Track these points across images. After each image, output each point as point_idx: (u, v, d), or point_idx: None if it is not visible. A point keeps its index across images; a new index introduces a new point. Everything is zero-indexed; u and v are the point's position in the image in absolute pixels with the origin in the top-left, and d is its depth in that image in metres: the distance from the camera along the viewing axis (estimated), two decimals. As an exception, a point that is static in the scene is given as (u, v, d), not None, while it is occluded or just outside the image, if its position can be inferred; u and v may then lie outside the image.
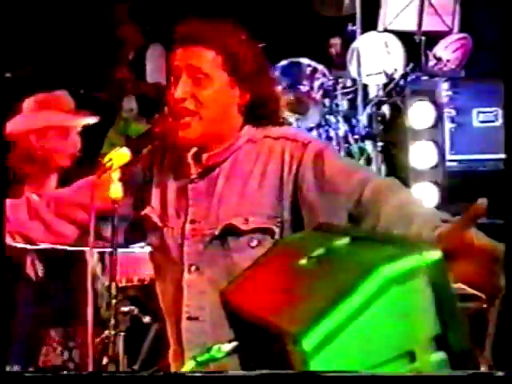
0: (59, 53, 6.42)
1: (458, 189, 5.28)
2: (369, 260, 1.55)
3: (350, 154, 5.43)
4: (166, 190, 2.65)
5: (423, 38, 5.30)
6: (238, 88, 2.48)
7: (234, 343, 1.69)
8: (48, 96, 3.91)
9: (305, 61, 5.53)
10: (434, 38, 5.36)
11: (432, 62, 5.25)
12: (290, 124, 2.93)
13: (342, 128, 5.45)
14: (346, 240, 1.70)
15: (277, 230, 2.47)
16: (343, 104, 5.51)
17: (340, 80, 5.50)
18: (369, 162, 5.35)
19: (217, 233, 2.47)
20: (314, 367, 1.45)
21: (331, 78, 5.50)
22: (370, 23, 5.49)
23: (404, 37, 5.37)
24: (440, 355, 1.54)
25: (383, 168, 5.25)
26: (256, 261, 1.84)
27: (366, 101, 5.47)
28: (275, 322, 1.52)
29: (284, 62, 5.57)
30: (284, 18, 6.12)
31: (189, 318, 2.51)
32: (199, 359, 1.72)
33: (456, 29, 5.36)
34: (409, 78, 5.09)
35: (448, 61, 5.25)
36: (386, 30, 5.40)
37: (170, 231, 2.58)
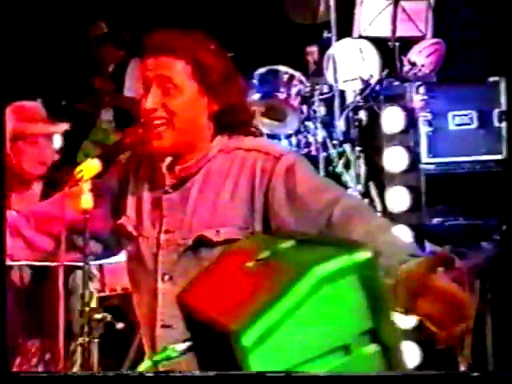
0: (38, 62, 6.49)
1: (435, 191, 5.32)
2: (304, 261, 1.62)
3: (329, 158, 5.43)
4: (142, 200, 2.65)
5: (397, 43, 5.30)
6: (207, 97, 2.50)
7: (188, 343, 1.72)
8: (19, 106, 3.95)
9: (282, 68, 5.53)
10: (408, 43, 5.38)
11: (407, 67, 5.23)
12: (262, 134, 2.92)
13: (321, 134, 5.43)
14: (290, 243, 1.76)
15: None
16: (321, 110, 5.49)
17: (317, 86, 5.47)
18: (348, 166, 5.34)
19: (189, 243, 2.49)
20: (253, 362, 1.53)
21: (308, 84, 5.49)
22: (344, 30, 5.49)
23: (379, 43, 5.38)
24: (373, 348, 1.63)
25: (362, 172, 5.23)
26: (211, 263, 1.93)
27: (343, 106, 5.45)
28: (221, 320, 1.59)
29: (262, 70, 5.57)
30: (260, 26, 6.16)
31: (163, 326, 2.52)
32: (155, 358, 1.75)
33: (429, 34, 5.40)
34: (383, 84, 5.06)
35: (422, 65, 5.24)
36: (360, 37, 5.42)
37: (145, 241, 2.59)
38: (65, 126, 3.90)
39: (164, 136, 2.50)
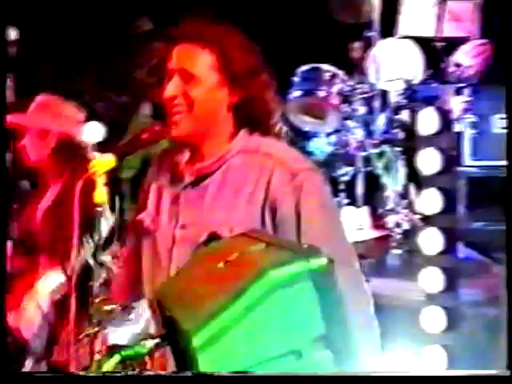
0: (80, 53, 6.61)
1: (477, 195, 5.32)
2: (261, 265, 1.66)
3: (368, 158, 5.50)
4: (161, 196, 2.70)
5: (442, 44, 5.33)
6: (228, 87, 2.51)
7: (157, 340, 1.73)
8: (55, 100, 4.00)
9: (324, 66, 5.56)
10: (453, 44, 5.39)
11: (452, 69, 5.27)
12: (286, 133, 2.78)
13: (360, 133, 5.47)
14: (261, 246, 1.79)
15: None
16: (361, 109, 5.51)
17: (358, 85, 5.52)
18: (387, 167, 5.37)
19: (202, 239, 2.49)
20: (203, 362, 1.57)
21: (350, 83, 5.51)
22: (388, 30, 5.52)
23: (423, 43, 5.40)
24: (325, 354, 1.66)
25: (402, 172, 5.27)
26: (187, 263, 1.93)
27: (385, 106, 5.48)
28: (181, 320, 1.61)
29: (304, 68, 5.64)
30: (304, 24, 6.20)
31: None
32: (124, 353, 1.76)
33: (477, 35, 5.40)
34: (425, 85, 5.10)
35: (468, 67, 5.28)
36: (404, 37, 5.46)
37: (162, 236, 2.64)
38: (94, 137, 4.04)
39: (182, 123, 2.53)
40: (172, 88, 2.54)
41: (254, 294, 1.62)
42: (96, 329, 2.21)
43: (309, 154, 5.79)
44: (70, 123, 3.93)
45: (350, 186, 5.71)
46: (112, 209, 3.63)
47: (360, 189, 5.65)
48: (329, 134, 5.75)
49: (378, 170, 5.53)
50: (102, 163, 2.47)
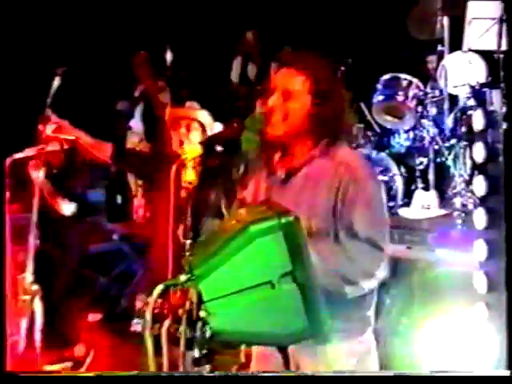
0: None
1: None
2: (245, 221, 2.17)
3: (439, 151, 6.00)
4: (258, 188, 3.12)
5: (502, 55, 5.60)
6: (315, 104, 2.94)
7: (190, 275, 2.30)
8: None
9: (402, 75, 6.10)
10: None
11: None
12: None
13: (432, 130, 5.98)
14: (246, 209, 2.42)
15: (330, 231, 2.89)
16: (432, 110, 6.01)
17: (430, 91, 6.01)
18: (457, 157, 5.86)
19: None
20: (203, 289, 2.10)
21: (423, 89, 6.04)
22: (456, 44, 5.99)
23: (485, 55, 5.80)
24: (292, 286, 2.10)
25: (468, 163, 5.72)
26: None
27: (453, 107, 5.96)
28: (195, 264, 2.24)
29: (386, 76, 6.19)
30: (387, 41, 6.65)
31: None
32: (167, 283, 2.28)
33: None
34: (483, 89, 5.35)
35: None
36: (469, 50, 5.86)
37: None
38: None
39: (277, 127, 2.94)
40: (274, 100, 2.95)
41: (239, 242, 2.10)
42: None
43: (391, 147, 6.30)
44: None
45: (424, 173, 6.09)
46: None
47: (432, 176, 6.05)
48: (407, 131, 6.21)
49: (447, 161, 5.96)
50: (191, 151, 2.89)
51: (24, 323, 4.75)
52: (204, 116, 4.44)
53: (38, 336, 4.82)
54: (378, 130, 6.48)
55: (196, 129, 4.46)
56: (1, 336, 2.86)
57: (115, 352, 5.64)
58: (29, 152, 4.57)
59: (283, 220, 2.11)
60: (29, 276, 4.78)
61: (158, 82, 7.60)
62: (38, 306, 4.75)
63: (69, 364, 5.64)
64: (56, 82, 5.07)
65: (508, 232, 2.26)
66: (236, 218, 2.40)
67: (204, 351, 2.28)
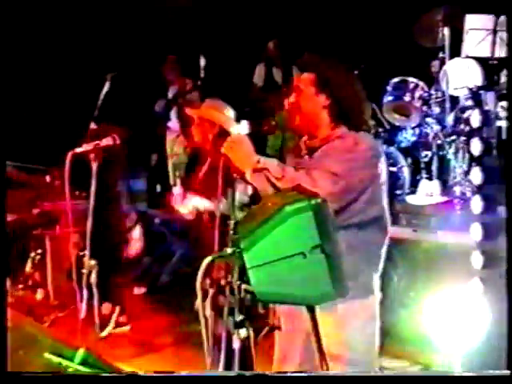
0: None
1: None
2: (284, 203, 2.42)
3: (441, 146, 6.37)
4: (289, 163, 3.41)
5: (495, 62, 6.18)
6: (322, 94, 3.28)
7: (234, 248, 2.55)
8: (219, 102, 4.81)
9: (410, 78, 6.49)
10: (503, 62, 6.14)
11: (503, 80, 6.08)
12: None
13: (435, 127, 6.35)
14: (284, 194, 2.66)
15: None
16: (436, 109, 6.40)
17: (434, 92, 6.38)
18: (457, 151, 6.23)
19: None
20: (247, 259, 2.36)
21: (427, 91, 6.42)
22: (456, 51, 6.40)
23: (481, 61, 6.23)
24: (321, 256, 2.35)
25: (467, 156, 6.07)
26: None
27: (454, 107, 6.33)
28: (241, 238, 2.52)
29: (396, 79, 6.60)
30: (397, 48, 7.10)
31: None
32: (213, 256, 2.57)
33: None
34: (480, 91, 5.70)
35: None
36: (467, 57, 6.30)
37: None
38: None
39: (295, 119, 3.33)
40: (291, 97, 3.35)
41: (277, 220, 2.33)
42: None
43: (399, 142, 6.66)
44: (226, 119, 4.54)
45: (428, 165, 6.46)
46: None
47: (435, 167, 6.41)
48: (413, 128, 6.55)
49: (448, 154, 6.33)
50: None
51: (85, 294, 5.37)
52: (218, 115, 4.55)
53: (96, 305, 5.48)
54: (387, 126, 6.84)
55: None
56: (1, 336, 2.75)
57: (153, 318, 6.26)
58: (87, 147, 5.14)
59: (313, 202, 2.38)
60: (87, 253, 5.37)
61: (187, 84, 8.20)
62: (94, 280, 5.24)
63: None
64: (106, 86, 5.65)
65: (508, 234, 2.46)
66: (271, 201, 2.61)
67: (243, 316, 2.59)
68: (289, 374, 2.54)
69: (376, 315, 3.46)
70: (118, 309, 6.20)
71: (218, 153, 3.49)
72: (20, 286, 6.99)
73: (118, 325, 6.23)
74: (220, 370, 2.79)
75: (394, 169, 6.47)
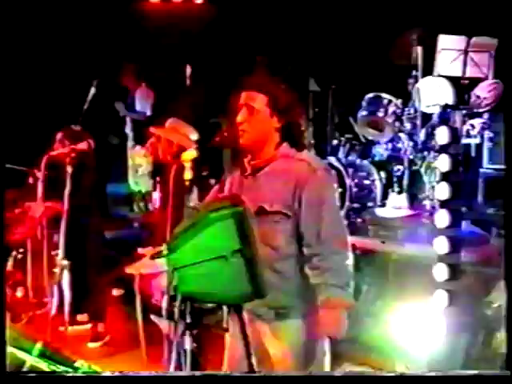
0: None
1: (493, 189, 6.30)
2: (209, 211, 2.55)
3: (413, 161, 6.34)
4: (233, 181, 3.43)
5: (466, 81, 6.21)
6: (275, 117, 3.26)
7: None
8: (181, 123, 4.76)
9: (383, 95, 6.47)
10: (474, 82, 6.24)
11: (473, 99, 6.16)
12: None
13: (407, 142, 6.33)
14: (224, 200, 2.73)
15: (290, 213, 3.20)
16: (408, 125, 6.37)
17: (406, 108, 6.35)
18: (428, 166, 6.18)
19: (254, 210, 3.07)
20: (171, 259, 2.47)
21: (400, 107, 6.40)
22: (428, 70, 6.36)
23: (452, 80, 6.22)
24: (240, 260, 2.47)
25: (437, 171, 5.68)
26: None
27: (425, 124, 6.29)
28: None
29: (370, 95, 6.57)
30: (372, 67, 7.08)
31: None
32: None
33: (490, 76, 6.23)
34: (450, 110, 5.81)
35: (484, 98, 6.13)
36: (439, 75, 6.28)
37: None
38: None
39: (245, 137, 3.26)
40: (241, 116, 3.26)
41: (202, 224, 2.45)
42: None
43: (372, 156, 6.66)
44: (186, 139, 4.49)
45: (401, 179, 6.41)
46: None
47: (406, 181, 6.37)
48: (386, 142, 6.53)
49: (420, 169, 6.29)
50: (188, 155, 3.40)
51: (55, 292, 5.34)
52: (180, 138, 4.55)
53: (66, 304, 5.45)
54: (363, 140, 6.81)
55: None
56: (1, 336, 2.74)
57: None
58: (62, 150, 5.11)
59: (234, 210, 2.50)
60: (60, 253, 5.35)
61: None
62: (65, 278, 5.30)
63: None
64: (92, 91, 5.64)
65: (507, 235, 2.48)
66: (204, 208, 2.77)
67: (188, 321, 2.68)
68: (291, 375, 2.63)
69: None
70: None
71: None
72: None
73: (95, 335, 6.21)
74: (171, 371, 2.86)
75: (367, 182, 6.46)
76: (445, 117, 5.62)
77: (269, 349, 3.36)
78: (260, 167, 3.31)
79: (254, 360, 2.80)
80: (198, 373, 2.29)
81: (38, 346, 2.96)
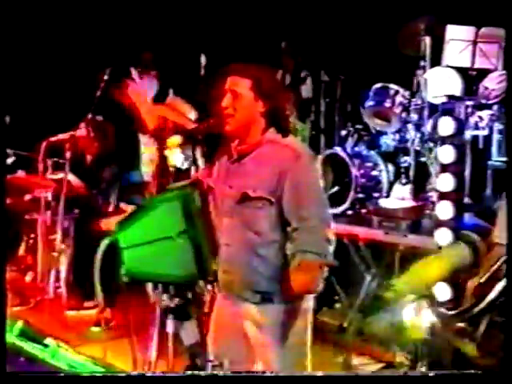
0: None
1: (501, 182, 6.04)
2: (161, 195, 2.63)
3: (419, 152, 6.27)
4: (220, 167, 3.42)
5: (474, 72, 6.10)
6: (260, 101, 3.25)
7: None
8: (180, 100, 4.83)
9: (390, 85, 6.38)
10: (483, 73, 6.08)
11: (481, 90, 5.98)
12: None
13: (413, 133, 6.25)
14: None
15: (273, 199, 3.19)
16: (415, 116, 6.28)
17: (413, 99, 6.27)
18: (435, 158, 5.94)
19: (239, 196, 3.22)
20: (121, 237, 2.49)
21: (408, 97, 6.30)
22: (436, 61, 6.27)
23: (461, 71, 6.12)
24: (186, 241, 2.53)
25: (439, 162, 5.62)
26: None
27: (432, 114, 6.17)
28: None
29: (377, 85, 6.47)
30: (382, 57, 6.86)
31: (225, 245, 3.30)
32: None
33: (500, 67, 6.09)
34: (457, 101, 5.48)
35: (493, 90, 5.93)
36: (447, 66, 6.18)
37: (219, 191, 3.36)
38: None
39: (231, 123, 3.25)
40: (226, 101, 3.25)
41: (149, 206, 2.55)
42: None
43: (379, 146, 6.58)
44: (185, 117, 4.43)
45: (407, 170, 6.38)
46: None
47: (412, 172, 6.33)
48: (393, 133, 6.45)
49: (427, 160, 6.21)
50: (172, 141, 3.47)
51: (52, 275, 5.35)
52: (172, 114, 4.42)
53: (63, 285, 5.44)
54: (373, 131, 6.71)
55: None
56: (1, 336, 2.72)
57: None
58: (62, 136, 5.14)
59: (180, 193, 2.57)
60: (58, 237, 5.38)
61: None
62: (63, 262, 5.30)
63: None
64: (105, 78, 5.83)
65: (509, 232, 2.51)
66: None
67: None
68: (290, 374, 2.54)
69: (308, 321, 3.44)
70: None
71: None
72: (13, 268, 7.01)
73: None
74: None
75: (375, 172, 6.41)
76: (448, 108, 5.37)
77: (250, 332, 3.35)
78: (246, 153, 3.30)
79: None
80: (197, 373, 2.26)
81: (19, 324, 2.99)
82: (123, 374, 2.50)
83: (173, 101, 4.86)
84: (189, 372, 2.62)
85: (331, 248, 3.18)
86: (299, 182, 3.17)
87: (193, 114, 4.57)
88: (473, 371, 2.27)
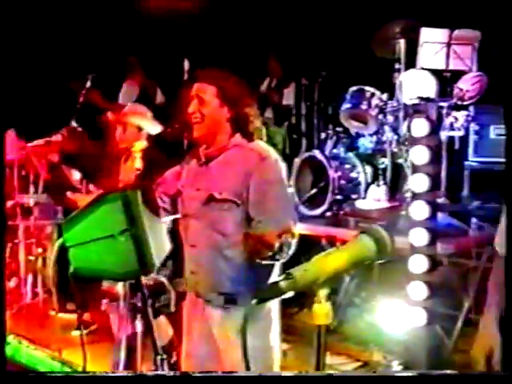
0: None
1: (477, 181, 6.30)
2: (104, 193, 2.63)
3: (395, 154, 6.24)
4: (189, 170, 3.46)
5: (449, 74, 6.09)
6: (226, 107, 3.30)
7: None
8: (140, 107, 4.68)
9: (366, 88, 6.34)
10: (457, 74, 6.11)
11: (455, 91, 6.02)
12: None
13: (390, 135, 6.23)
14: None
15: (239, 201, 3.22)
16: (391, 118, 6.25)
17: (389, 101, 6.23)
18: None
19: (205, 198, 3.27)
20: (67, 237, 2.50)
21: (384, 99, 6.27)
22: (411, 63, 6.25)
23: (436, 73, 6.06)
24: (127, 239, 2.51)
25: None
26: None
27: (407, 116, 5.98)
28: None
29: (354, 88, 6.44)
30: (356, 60, 6.98)
31: (191, 246, 3.38)
32: None
33: (474, 68, 6.11)
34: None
35: (467, 91, 6.00)
36: (422, 68, 6.14)
37: (186, 194, 3.41)
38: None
39: (197, 129, 3.30)
40: (192, 107, 3.29)
41: (94, 206, 2.52)
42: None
43: (358, 148, 6.54)
44: (149, 125, 4.35)
45: (385, 171, 6.33)
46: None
47: (389, 174, 6.29)
48: (371, 135, 6.41)
49: (402, 161, 6.17)
50: (138, 145, 3.51)
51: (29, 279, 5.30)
52: (137, 119, 4.43)
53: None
54: (353, 133, 6.67)
55: (131, 131, 4.42)
56: (1, 336, 2.73)
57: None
58: (38, 142, 5.16)
59: (121, 193, 2.58)
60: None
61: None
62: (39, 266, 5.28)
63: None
64: (87, 84, 5.81)
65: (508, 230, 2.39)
66: None
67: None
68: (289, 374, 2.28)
69: (273, 325, 3.44)
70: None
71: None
72: (-4, 274, 6.99)
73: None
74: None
75: (354, 174, 6.37)
76: (420, 109, 5.37)
77: (217, 335, 3.37)
78: (213, 156, 3.34)
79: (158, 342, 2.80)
80: (196, 373, 2.18)
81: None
82: (123, 374, 2.51)
83: (133, 107, 4.74)
84: (188, 372, 2.65)
85: (293, 241, 3.17)
86: (263, 182, 3.20)
87: (154, 121, 4.43)
88: (473, 372, 2.32)
